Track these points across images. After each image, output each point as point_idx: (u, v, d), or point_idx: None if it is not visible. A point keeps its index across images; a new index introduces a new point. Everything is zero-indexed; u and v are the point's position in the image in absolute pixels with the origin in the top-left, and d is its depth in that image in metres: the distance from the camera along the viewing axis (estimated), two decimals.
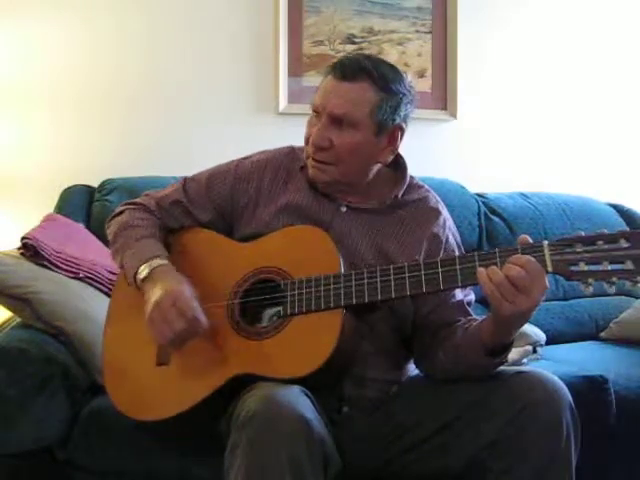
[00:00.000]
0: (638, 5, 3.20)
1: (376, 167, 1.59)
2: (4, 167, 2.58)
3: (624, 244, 1.26)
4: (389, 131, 1.55)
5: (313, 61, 2.85)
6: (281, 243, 1.55)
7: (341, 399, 1.52)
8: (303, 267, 1.48)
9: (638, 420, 2.00)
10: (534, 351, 2.26)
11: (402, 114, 1.55)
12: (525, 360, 2.18)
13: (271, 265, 1.52)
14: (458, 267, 1.36)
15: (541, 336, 2.34)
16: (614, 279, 1.26)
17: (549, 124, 3.11)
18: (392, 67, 1.58)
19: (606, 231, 1.30)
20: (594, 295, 2.58)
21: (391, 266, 1.42)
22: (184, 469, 1.70)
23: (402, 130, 1.57)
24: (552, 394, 1.37)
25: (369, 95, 1.51)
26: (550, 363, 2.15)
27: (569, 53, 3.13)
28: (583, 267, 1.28)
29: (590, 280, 1.28)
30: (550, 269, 1.29)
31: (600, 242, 1.28)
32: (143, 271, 1.52)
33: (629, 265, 1.25)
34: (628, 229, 1.30)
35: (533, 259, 1.28)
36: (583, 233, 1.31)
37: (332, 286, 1.43)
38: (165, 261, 1.54)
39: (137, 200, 1.71)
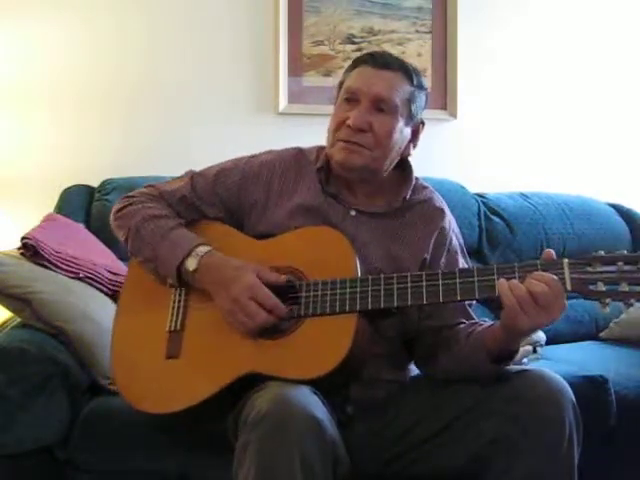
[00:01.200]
0: (638, 5, 3.20)
1: (396, 161, 1.60)
2: (4, 167, 2.58)
3: None
4: (415, 124, 1.60)
5: (313, 61, 2.86)
6: (297, 243, 1.54)
7: (346, 400, 1.51)
8: (318, 268, 1.47)
9: (638, 420, 2.00)
10: (534, 351, 2.26)
11: (423, 111, 1.61)
12: (525, 360, 2.18)
13: (286, 265, 1.51)
14: (476, 279, 1.36)
15: (541, 336, 2.34)
16: (632, 301, 1.27)
17: (549, 124, 3.11)
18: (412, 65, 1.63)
19: (627, 252, 1.30)
20: None
21: (409, 274, 1.42)
22: (185, 469, 1.70)
23: (423, 126, 1.62)
24: (554, 392, 1.37)
25: (406, 86, 1.55)
26: (550, 363, 2.15)
27: (569, 53, 3.12)
28: (601, 287, 1.28)
29: (608, 300, 1.28)
30: (569, 287, 1.30)
31: (620, 263, 1.28)
32: (191, 262, 1.51)
33: None
34: None
35: (557, 278, 1.29)
36: (603, 253, 1.31)
37: (348, 290, 1.42)
38: (208, 247, 1.53)
39: (142, 192, 1.67)
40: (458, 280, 1.37)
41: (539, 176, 3.01)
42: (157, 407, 1.49)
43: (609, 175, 3.11)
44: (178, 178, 1.70)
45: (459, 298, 1.38)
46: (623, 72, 3.18)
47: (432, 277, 1.40)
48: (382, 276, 1.43)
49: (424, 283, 1.39)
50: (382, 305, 1.41)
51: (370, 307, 1.41)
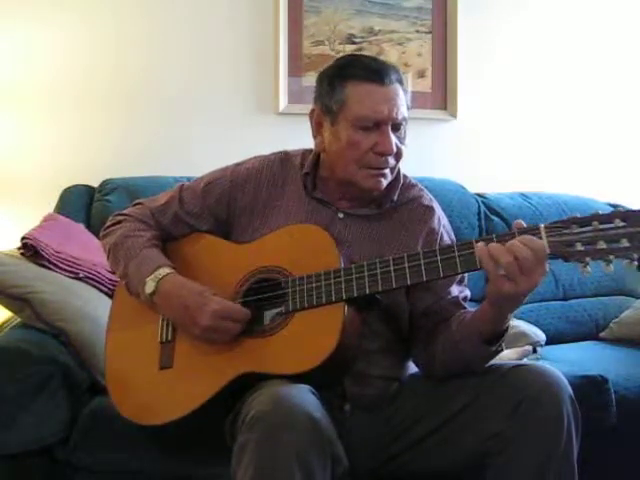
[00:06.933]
0: (638, 6, 3.20)
1: None
2: (4, 167, 2.58)
3: (619, 223, 1.28)
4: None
5: (313, 61, 2.85)
6: (280, 242, 1.55)
7: (343, 397, 1.52)
8: (303, 264, 1.48)
9: (638, 420, 2.00)
10: (534, 351, 2.26)
11: None
12: (525, 360, 2.18)
13: (271, 264, 1.52)
14: (457, 254, 1.37)
15: (541, 336, 2.34)
16: (611, 257, 1.28)
17: (549, 124, 3.11)
18: None
19: (601, 212, 1.31)
20: (594, 295, 2.65)
21: (390, 257, 1.42)
22: (185, 469, 1.70)
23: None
24: (551, 385, 1.38)
25: (402, 94, 1.54)
26: (550, 363, 2.14)
27: (569, 53, 3.13)
28: (579, 247, 1.29)
29: (588, 259, 1.29)
30: (548, 251, 1.30)
31: (595, 222, 1.29)
32: (149, 285, 1.51)
33: (624, 243, 1.27)
34: (622, 209, 1.31)
35: (540, 241, 1.29)
36: (578, 214, 1.32)
37: (333, 280, 1.43)
38: (169, 270, 1.54)
39: (131, 211, 1.69)
40: (439, 257, 1.38)
41: (539, 176, 3.02)
42: (156, 418, 1.50)
43: (609, 175, 3.12)
44: (167, 192, 1.71)
45: (442, 275, 1.39)
46: (623, 72, 3.18)
47: (414, 257, 1.40)
48: (365, 263, 1.44)
49: (406, 264, 1.40)
50: (367, 291, 1.42)
51: (356, 294, 1.42)
